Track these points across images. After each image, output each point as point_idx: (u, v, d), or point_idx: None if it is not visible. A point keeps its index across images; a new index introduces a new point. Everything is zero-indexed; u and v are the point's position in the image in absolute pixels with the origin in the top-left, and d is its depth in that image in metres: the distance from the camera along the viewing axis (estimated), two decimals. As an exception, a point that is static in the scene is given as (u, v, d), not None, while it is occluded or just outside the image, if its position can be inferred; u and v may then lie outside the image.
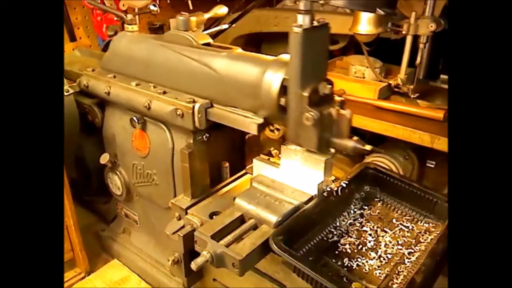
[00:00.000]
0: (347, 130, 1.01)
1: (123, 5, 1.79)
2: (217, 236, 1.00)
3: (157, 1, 2.01)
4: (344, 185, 1.13)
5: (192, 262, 0.93)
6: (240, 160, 1.43)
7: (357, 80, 1.99)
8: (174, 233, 1.21)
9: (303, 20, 0.98)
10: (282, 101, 1.04)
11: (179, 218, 1.25)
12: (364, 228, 1.12)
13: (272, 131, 2.28)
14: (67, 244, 1.54)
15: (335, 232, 1.09)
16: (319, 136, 1.02)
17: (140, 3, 1.78)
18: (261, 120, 1.09)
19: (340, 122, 1.01)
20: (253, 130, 1.09)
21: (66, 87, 1.47)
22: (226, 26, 1.86)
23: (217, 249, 0.96)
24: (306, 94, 0.99)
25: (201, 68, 1.19)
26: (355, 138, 1.02)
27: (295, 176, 1.14)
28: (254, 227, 1.05)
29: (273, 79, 1.04)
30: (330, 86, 1.02)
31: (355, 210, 1.18)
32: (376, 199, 1.22)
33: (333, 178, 1.18)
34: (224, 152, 1.37)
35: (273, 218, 1.02)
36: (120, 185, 1.53)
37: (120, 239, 1.69)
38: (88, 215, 1.88)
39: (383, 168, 1.25)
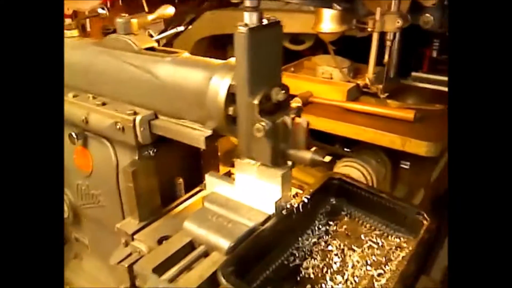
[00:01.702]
0: (303, 141, 0.90)
1: (68, 9, 1.65)
2: (161, 268, 0.87)
3: (107, 4, 1.86)
4: (306, 200, 1.02)
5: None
6: (196, 174, 1.31)
7: (325, 81, 1.89)
8: (119, 262, 1.08)
9: (249, 18, 0.86)
10: (231, 110, 0.92)
11: (126, 245, 1.11)
12: (330, 248, 1.01)
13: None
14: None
15: (297, 254, 0.98)
16: (273, 149, 0.90)
17: (87, 6, 1.64)
18: (209, 133, 0.97)
19: (296, 131, 0.90)
20: (200, 144, 0.97)
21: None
22: (182, 28, 1.73)
23: (158, 285, 0.83)
24: (256, 101, 0.87)
25: (143, 75, 1.06)
26: (313, 149, 0.91)
27: (251, 193, 1.02)
28: (206, 254, 0.93)
29: (219, 86, 0.92)
30: (283, 91, 0.91)
31: (320, 226, 1.07)
32: (342, 213, 1.11)
33: (294, 192, 1.07)
34: (177, 167, 1.25)
35: (225, 244, 0.90)
36: (66, 207, 1.38)
37: (72, 265, 1.54)
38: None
39: (349, 178, 1.14)
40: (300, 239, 1.02)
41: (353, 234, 1.06)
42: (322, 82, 1.87)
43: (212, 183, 1.09)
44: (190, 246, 0.94)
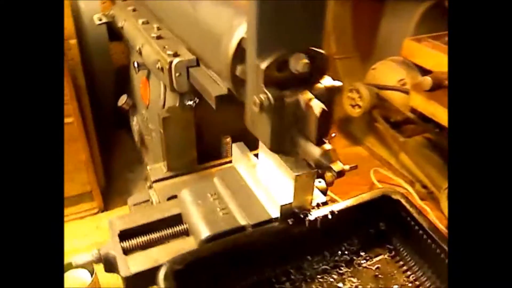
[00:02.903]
0: (314, 131, 0.64)
1: None
2: (128, 234, 0.78)
3: None
4: (331, 216, 0.77)
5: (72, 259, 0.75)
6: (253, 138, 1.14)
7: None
8: (134, 205, 1.04)
9: None
10: (239, 70, 0.71)
11: (150, 188, 1.06)
12: (341, 285, 0.76)
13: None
14: (85, 176, 1.52)
15: (293, 276, 0.77)
16: (274, 131, 0.67)
17: None
18: (222, 91, 0.78)
19: (307, 118, 0.64)
20: (211, 102, 0.80)
21: (99, 15, 1.35)
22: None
23: (109, 251, 0.74)
24: (263, 66, 0.64)
25: (188, 9, 0.90)
26: (326, 147, 0.64)
27: (267, 183, 0.82)
28: (187, 234, 0.80)
29: (232, 36, 0.71)
30: (306, 61, 0.64)
31: (345, 252, 0.81)
32: (387, 246, 0.83)
33: (322, 199, 0.83)
34: (226, 125, 1.10)
35: (204, 233, 0.75)
36: (135, 131, 1.41)
37: (140, 185, 1.61)
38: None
39: (415, 204, 0.82)
40: (308, 258, 0.79)
41: (385, 280, 0.77)
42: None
43: (236, 156, 0.92)
44: (176, 219, 0.82)
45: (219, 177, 0.87)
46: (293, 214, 0.76)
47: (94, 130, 1.49)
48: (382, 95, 1.78)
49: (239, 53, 0.70)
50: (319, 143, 0.66)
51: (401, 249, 0.81)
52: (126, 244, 0.76)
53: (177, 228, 0.79)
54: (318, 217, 0.76)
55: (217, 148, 1.12)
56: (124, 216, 0.82)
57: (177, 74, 0.91)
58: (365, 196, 0.82)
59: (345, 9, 2.07)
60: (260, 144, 0.82)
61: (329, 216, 0.77)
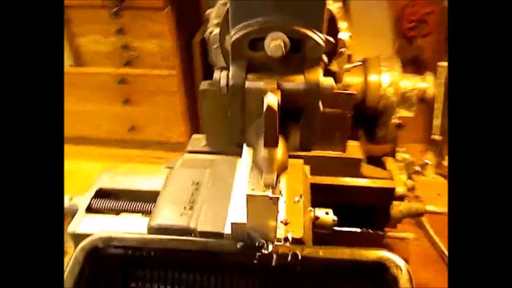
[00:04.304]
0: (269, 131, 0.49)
1: None
2: (108, 193, 0.78)
3: None
4: (292, 259, 0.60)
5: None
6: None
7: None
8: (167, 167, 1.04)
9: None
10: (227, 40, 0.59)
11: (189, 152, 1.04)
12: None
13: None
14: (181, 128, 1.61)
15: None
16: (231, 117, 0.57)
17: None
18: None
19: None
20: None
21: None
22: None
23: (78, 202, 0.76)
24: (232, 39, 0.52)
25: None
26: (268, 153, 0.49)
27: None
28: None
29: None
30: (279, 43, 0.48)
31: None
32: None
33: (298, 234, 0.65)
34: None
35: (152, 221, 0.68)
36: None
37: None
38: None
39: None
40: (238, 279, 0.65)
41: None
42: None
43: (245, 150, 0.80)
44: (153, 196, 0.78)
45: (213, 167, 0.78)
46: (248, 237, 0.63)
47: (193, 85, 1.55)
48: None
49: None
50: (267, 144, 0.51)
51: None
52: (97, 202, 0.76)
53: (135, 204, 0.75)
54: (275, 254, 0.61)
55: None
56: (115, 174, 0.82)
57: (214, 46, 0.83)
58: (350, 253, 0.61)
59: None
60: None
61: (288, 259, 0.61)
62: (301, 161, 0.89)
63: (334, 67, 0.81)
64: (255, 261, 0.62)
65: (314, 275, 0.63)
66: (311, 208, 0.73)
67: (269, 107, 0.48)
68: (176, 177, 0.77)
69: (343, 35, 0.84)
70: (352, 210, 1.02)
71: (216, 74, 0.56)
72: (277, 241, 0.62)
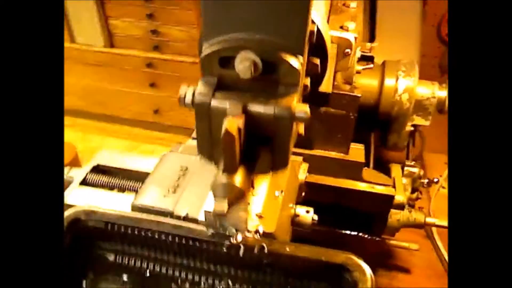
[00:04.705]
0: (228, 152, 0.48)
1: None
2: (106, 170, 0.82)
3: None
4: (258, 251, 0.61)
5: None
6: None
7: None
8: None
9: None
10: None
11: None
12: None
13: None
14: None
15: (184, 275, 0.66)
16: (199, 133, 0.55)
17: None
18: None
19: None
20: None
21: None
22: None
23: (74, 175, 0.80)
24: (202, 54, 0.51)
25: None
26: (225, 179, 0.49)
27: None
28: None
29: None
30: (248, 64, 0.47)
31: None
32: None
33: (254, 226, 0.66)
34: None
35: (136, 200, 0.71)
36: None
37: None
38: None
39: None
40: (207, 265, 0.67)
41: None
42: None
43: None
44: (146, 176, 0.81)
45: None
46: (220, 226, 0.64)
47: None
48: None
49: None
50: (225, 169, 0.50)
51: None
52: (92, 176, 0.81)
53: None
54: (243, 244, 0.62)
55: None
56: (114, 152, 0.86)
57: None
58: (316, 252, 0.61)
59: None
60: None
61: (255, 251, 0.62)
62: (300, 158, 0.89)
63: (325, 87, 0.78)
64: (223, 249, 0.64)
65: (281, 270, 0.63)
66: (292, 205, 0.73)
67: (226, 132, 0.46)
68: (167, 160, 0.80)
69: (349, 35, 0.83)
70: (351, 213, 1.01)
71: (182, 90, 0.52)
72: (248, 232, 0.63)
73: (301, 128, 0.62)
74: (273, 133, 0.52)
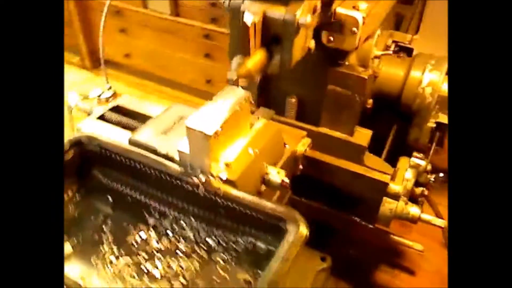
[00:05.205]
0: None
1: None
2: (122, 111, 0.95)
3: None
4: (214, 197, 0.68)
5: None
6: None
7: None
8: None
9: None
10: None
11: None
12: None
13: None
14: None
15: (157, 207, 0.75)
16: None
17: None
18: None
19: None
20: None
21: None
22: None
23: (95, 109, 0.94)
24: None
25: None
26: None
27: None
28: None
29: None
30: None
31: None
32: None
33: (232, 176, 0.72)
34: (294, 85, 1.02)
35: (132, 135, 0.81)
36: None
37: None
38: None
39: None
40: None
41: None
42: None
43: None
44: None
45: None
46: (190, 166, 0.72)
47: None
48: None
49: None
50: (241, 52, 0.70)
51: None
52: (109, 114, 0.93)
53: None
54: (203, 185, 0.69)
55: (281, 106, 1.06)
56: (135, 99, 0.98)
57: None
58: (257, 202, 0.66)
59: None
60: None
61: (212, 193, 0.69)
62: (303, 133, 0.93)
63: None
64: (188, 187, 0.72)
65: (234, 216, 0.70)
66: (266, 165, 0.78)
67: (244, 23, 0.66)
68: (171, 109, 0.89)
69: (357, 14, 0.84)
70: (344, 195, 1.03)
71: (226, 2, 0.74)
72: (211, 176, 0.70)
73: (311, 43, 0.80)
74: (282, 35, 0.71)
